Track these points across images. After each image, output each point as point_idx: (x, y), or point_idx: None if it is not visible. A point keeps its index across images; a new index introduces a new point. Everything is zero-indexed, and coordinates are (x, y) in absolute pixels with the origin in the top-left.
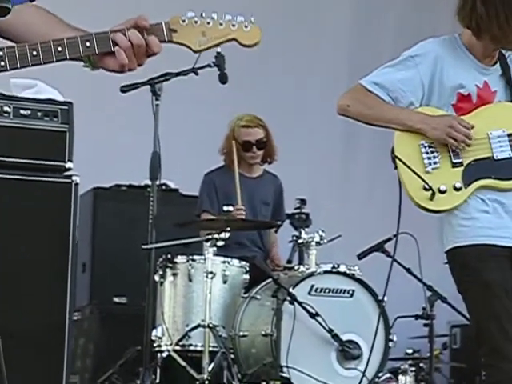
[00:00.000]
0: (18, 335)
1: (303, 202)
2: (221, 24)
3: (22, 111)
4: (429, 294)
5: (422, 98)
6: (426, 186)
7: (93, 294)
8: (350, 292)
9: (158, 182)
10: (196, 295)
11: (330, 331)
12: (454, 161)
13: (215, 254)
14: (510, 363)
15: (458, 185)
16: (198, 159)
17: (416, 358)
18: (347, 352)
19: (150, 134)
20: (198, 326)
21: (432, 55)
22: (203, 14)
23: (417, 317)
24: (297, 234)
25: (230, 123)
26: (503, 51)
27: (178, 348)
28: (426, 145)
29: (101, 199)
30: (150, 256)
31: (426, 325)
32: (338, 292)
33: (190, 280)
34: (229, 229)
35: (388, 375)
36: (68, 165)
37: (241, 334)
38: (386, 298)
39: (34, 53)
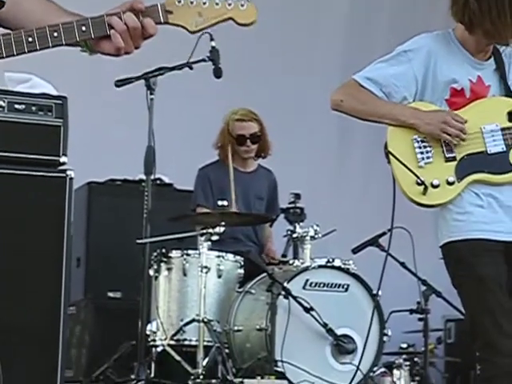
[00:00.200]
0: (12, 330)
1: (298, 196)
2: (217, 4)
3: (16, 105)
4: (423, 288)
5: (416, 92)
6: (419, 180)
7: (87, 289)
8: (345, 286)
9: (152, 177)
10: (191, 290)
11: (325, 325)
12: (447, 155)
13: (210, 249)
14: (505, 358)
15: (451, 179)
16: (193, 154)
17: (410, 352)
18: (342, 346)
19: (145, 129)
20: (193, 320)
21: (425, 50)
22: None
23: (411, 311)
24: (291, 228)
25: (225, 117)
26: (498, 46)
27: (172, 342)
28: (419, 139)
29: (95, 194)
30: (144, 250)
31: (420, 319)
32: (333, 286)
33: (185, 274)
34: (223, 223)
35: (382, 369)
36: (62, 159)
37: (235, 328)
38: (380, 293)
39: (30, 39)
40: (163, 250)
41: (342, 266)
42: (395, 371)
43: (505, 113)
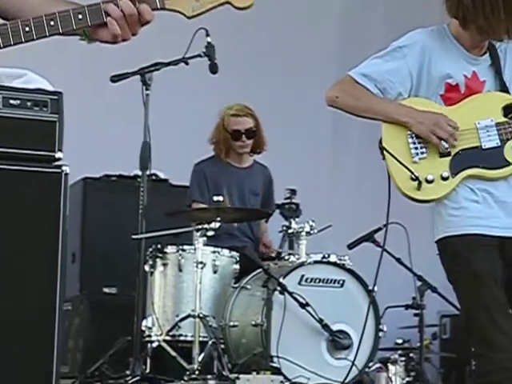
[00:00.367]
0: (7, 326)
1: (293, 192)
2: None
3: (11, 101)
4: (419, 283)
5: (411, 88)
6: (413, 175)
7: (83, 285)
8: (341, 282)
9: (148, 172)
10: (186, 285)
11: (321, 321)
12: (442, 151)
13: (205, 244)
14: (500, 353)
15: (445, 174)
16: (188, 149)
17: (406, 348)
18: (337, 342)
19: (140, 124)
20: (188, 316)
21: (420, 45)
22: None
23: (407, 307)
24: (287, 224)
25: (220, 112)
26: (493, 42)
27: (168, 338)
28: (414, 135)
29: (90, 189)
30: (140, 246)
31: (416, 315)
32: (329, 282)
33: (180, 270)
34: (219, 219)
35: (378, 365)
36: (58, 155)
37: (231, 324)
38: (375, 288)
39: (27, 29)
40: (159, 246)
41: (338, 262)
42: (391, 367)
43: (500, 108)
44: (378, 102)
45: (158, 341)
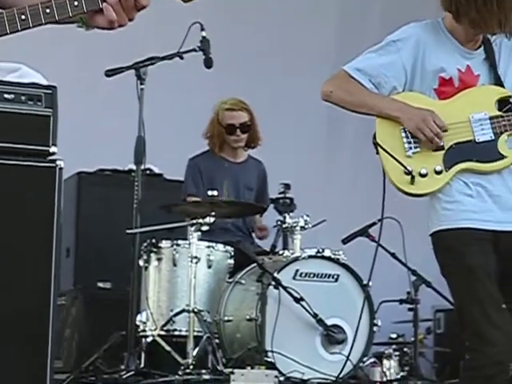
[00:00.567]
0: (1, 320)
1: (287, 186)
2: None
3: (5, 95)
4: (413, 278)
5: (405, 82)
6: (406, 170)
7: (77, 279)
8: (335, 277)
9: (142, 167)
10: (180, 280)
11: (315, 316)
12: None
13: (200, 239)
14: (494, 347)
15: (439, 168)
16: (183, 144)
17: (400, 342)
18: (332, 336)
19: (135, 119)
20: (183, 310)
21: (414, 39)
22: None
23: (401, 301)
24: (281, 218)
25: (215, 107)
26: (488, 35)
27: (162, 333)
28: (407, 130)
29: (85, 184)
30: (134, 241)
31: (410, 309)
32: (323, 277)
33: (175, 265)
34: (213, 214)
35: (372, 360)
36: (52, 149)
37: (225, 318)
38: (370, 283)
39: (23, 17)
40: (153, 241)
41: (332, 257)
42: (385, 361)
43: (494, 101)
44: (371, 97)
45: (153, 335)
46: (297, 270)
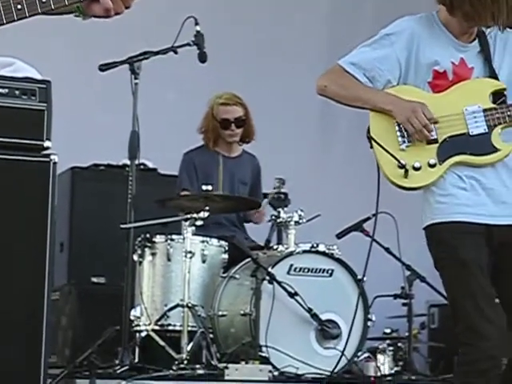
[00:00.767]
0: None
1: (282, 181)
2: None
3: None
4: (407, 273)
5: (400, 76)
6: (399, 163)
7: (71, 274)
8: (329, 271)
9: (136, 162)
10: (175, 275)
11: (309, 311)
12: (429, 138)
13: (194, 234)
14: (487, 341)
15: (433, 161)
16: (177, 139)
17: (394, 337)
18: (326, 331)
19: (129, 113)
20: (177, 305)
21: (408, 32)
22: None
23: (395, 296)
24: (275, 213)
25: (209, 101)
26: (483, 28)
27: (156, 328)
28: (398, 122)
29: (79, 179)
30: (128, 236)
31: (404, 304)
32: (317, 271)
33: (169, 260)
34: (207, 208)
35: (366, 355)
36: (46, 144)
37: (220, 313)
38: (364, 278)
39: (19, 6)
40: (147, 235)
41: (327, 251)
42: (379, 356)
43: (488, 94)
44: (365, 91)
45: (147, 330)
46: (291, 265)
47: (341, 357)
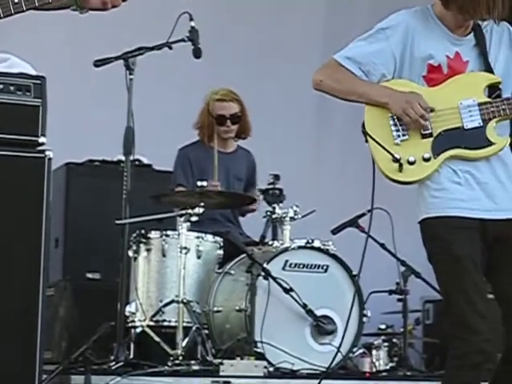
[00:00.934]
0: None
1: (277, 177)
2: None
3: None
4: (402, 269)
5: (395, 70)
6: (393, 158)
7: (66, 270)
8: (324, 267)
9: (131, 158)
10: (170, 271)
11: (305, 306)
12: (423, 132)
13: (189, 230)
14: (479, 336)
15: (427, 155)
16: (172, 134)
17: (389, 333)
18: (321, 327)
19: (124, 109)
20: (172, 301)
21: (402, 26)
22: None
23: (390, 292)
24: (271, 209)
25: (205, 97)
26: (479, 21)
27: (151, 323)
28: (395, 117)
29: (74, 174)
30: (123, 231)
31: (399, 300)
32: (312, 267)
33: (164, 255)
34: (202, 204)
35: (362, 350)
36: (41, 139)
37: (215, 309)
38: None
39: (16, 0)
40: (142, 231)
41: (322, 247)
42: (374, 352)
43: (482, 88)
44: (360, 85)
45: (142, 326)
46: (286, 261)
47: (336, 353)
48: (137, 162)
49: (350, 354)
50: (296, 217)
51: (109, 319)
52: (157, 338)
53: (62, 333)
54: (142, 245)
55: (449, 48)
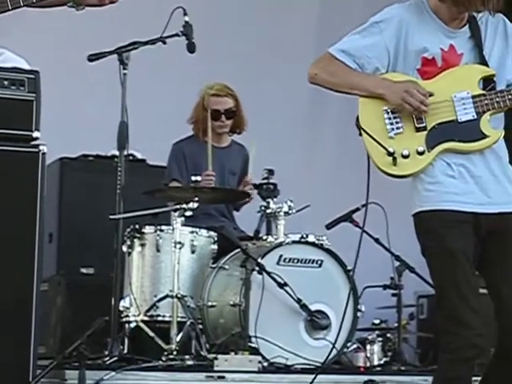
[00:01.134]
0: None
1: (271, 172)
2: None
3: None
4: (397, 263)
5: (388, 63)
6: (387, 151)
7: (60, 265)
8: (319, 262)
9: (125, 153)
10: (164, 265)
11: (299, 301)
12: (418, 125)
13: (183, 225)
14: (471, 330)
15: (421, 149)
16: (166, 129)
17: (384, 328)
18: (315, 322)
19: (118, 104)
20: (166, 296)
21: (396, 20)
22: None
23: (385, 287)
24: (265, 204)
25: (200, 91)
26: (474, 13)
27: (146, 318)
28: (389, 110)
29: (68, 169)
30: (117, 226)
31: (393, 295)
32: (307, 262)
33: (158, 250)
34: (197, 199)
35: (356, 345)
36: (35, 134)
37: (209, 304)
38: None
39: None
40: (136, 226)
41: (316, 242)
42: (368, 347)
43: (477, 80)
44: (354, 76)
45: (136, 321)
46: (280, 256)
47: (332, 349)
48: (131, 157)
49: (345, 349)
50: (290, 211)
51: (103, 314)
52: (151, 333)
53: (56, 328)
54: (136, 240)
55: (443, 41)
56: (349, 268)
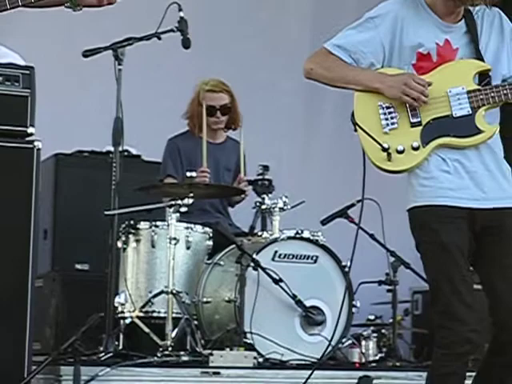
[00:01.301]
0: None
1: (266, 168)
2: None
3: None
4: (392, 259)
5: (384, 59)
6: (381, 147)
7: (55, 261)
8: (314, 258)
9: (120, 148)
10: (159, 261)
11: (294, 297)
12: (413, 120)
13: (178, 220)
14: (465, 326)
15: (416, 144)
16: (161, 125)
17: (379, 324)
18: (311, 318)
19: (113, 100)
20: (161, 292)
21: (391, 15)
22: None
23: (380, 282)
24: (260, 200)
25: (195, 87)
26: (470, 7)
27: (141, 314)
28: (384, 106)
29: (62, 165)
30: (112, 222)
31: (388, 290)
32: (302, 258)
33: (153, 246)
34: (192, 195)
35: (351, 341)
36: (30, 130)
37: (204, 300)
38: (348, 263)
39: None
40: (131, 222)
41: (311, 238)
42: (363, 343)
43: (472, 75)
44: (349, 71)
45: (131, 317)
46: (276, 252)
47: (328, 345)
48: (126, 153)
49: (340, 345)
50: (285, 207)
51: (98, 310)
52: (146, 329)
53: (50, 324)
54: (131, 235)
55: (439, 36)
56: (344, 264)
